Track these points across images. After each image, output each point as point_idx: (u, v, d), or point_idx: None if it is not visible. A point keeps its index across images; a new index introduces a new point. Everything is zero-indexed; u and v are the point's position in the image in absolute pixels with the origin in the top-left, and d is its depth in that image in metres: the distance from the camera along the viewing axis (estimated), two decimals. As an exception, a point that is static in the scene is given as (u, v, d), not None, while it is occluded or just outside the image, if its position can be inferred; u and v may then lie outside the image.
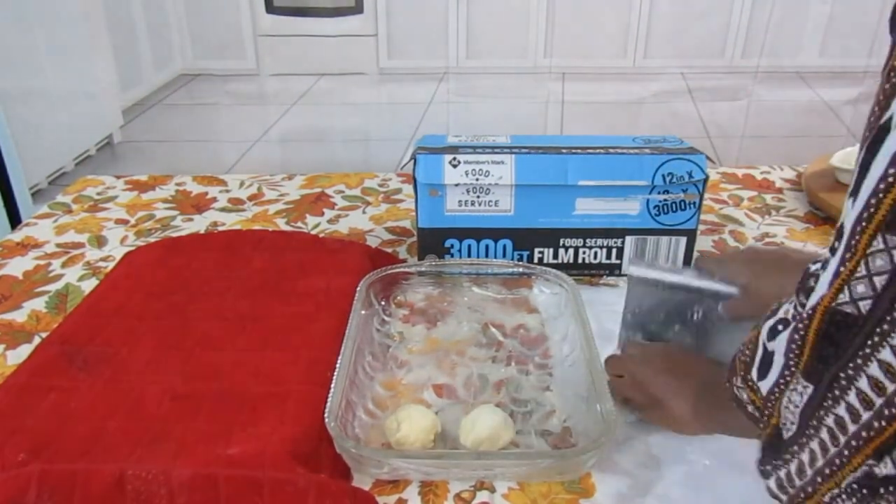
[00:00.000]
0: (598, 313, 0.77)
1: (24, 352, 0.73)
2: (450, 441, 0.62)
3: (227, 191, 1.11)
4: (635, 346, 0.67)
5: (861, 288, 0.31)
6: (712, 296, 0.64)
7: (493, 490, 0.58)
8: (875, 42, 3.65)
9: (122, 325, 0.73)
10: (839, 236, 0.33)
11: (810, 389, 0.34)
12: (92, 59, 2.90)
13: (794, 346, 0.35)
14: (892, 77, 0.30)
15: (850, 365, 0.32)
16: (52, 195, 1.13)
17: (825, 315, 0.33)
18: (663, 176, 0.81)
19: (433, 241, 0.85)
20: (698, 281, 0.65)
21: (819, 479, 0.34)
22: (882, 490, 0.31)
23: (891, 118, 0.30)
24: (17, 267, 0.90)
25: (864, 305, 0.31)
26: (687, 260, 0.86)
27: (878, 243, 0.30)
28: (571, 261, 0.86)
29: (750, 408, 0.42)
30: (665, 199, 0.83)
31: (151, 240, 0.96)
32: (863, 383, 0.31)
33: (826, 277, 0.33)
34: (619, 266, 0.86)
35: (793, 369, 0.36)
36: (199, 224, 1.01)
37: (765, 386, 0.39)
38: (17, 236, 0.98)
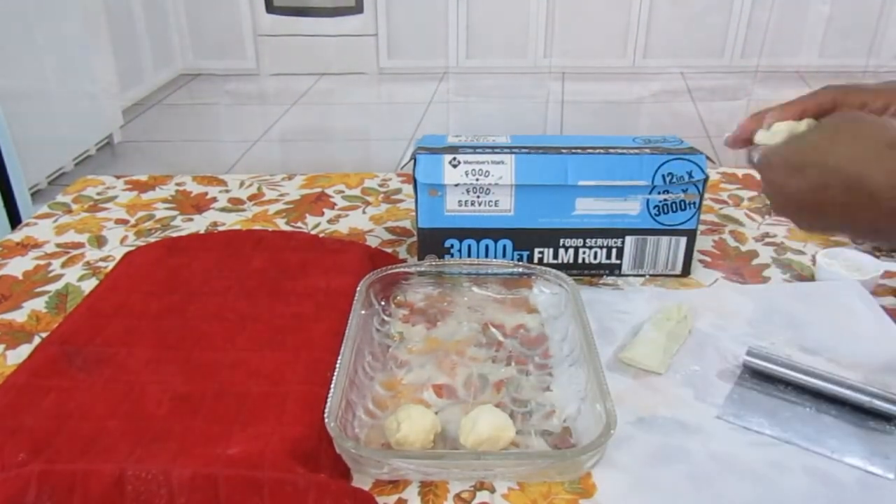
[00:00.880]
0: (599, 313, 0.77)
1: (23, 352, 0.73)
2: (450, 441, 0.62)
3: (227, 191, 1.11)
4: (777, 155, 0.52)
5: None
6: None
7: (493, 490, 0.58)
8: (875, 42, 3.66)
9: (122, 325, 0.73)
10: None
11: None
12: (92, 59, 2.90)
13: None
14: None
15: None
16: (51, 195, 1.13)
17: None
18: (663, 176, 0.81)
19: (433, 242, 0.86)
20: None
21: None
22: None
23: None
24: (17, 267, 0.90)
25: None
26: (687, 260, 0.86)
27: None
28: (571, 261, 0.86)
29: None
30: (665, 200, 0.83)
31: (151, 240, 0.96)
32: None
33: None
34: (619, 266, 0.86)
35: None
36: (199, 224, 1.01)
37: None
38: (17, 236, 0.98)
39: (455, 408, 0.65)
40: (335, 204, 1.07)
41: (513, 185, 0.81)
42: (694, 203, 0.83)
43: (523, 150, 0.83)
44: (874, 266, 0.83)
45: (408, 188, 1.09)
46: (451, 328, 0.77)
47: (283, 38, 3.88)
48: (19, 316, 0.81)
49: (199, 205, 1.07)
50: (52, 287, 0.86)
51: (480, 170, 0.81)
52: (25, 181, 2.17)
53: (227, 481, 0.53)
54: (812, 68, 3.73)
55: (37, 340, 0.76)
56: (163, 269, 0.84)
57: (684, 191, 0.82)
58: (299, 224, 1.01)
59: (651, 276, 0.87)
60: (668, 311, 0.76)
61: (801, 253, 0.91)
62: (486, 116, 3.46)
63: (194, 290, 0.79)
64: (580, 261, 0.86)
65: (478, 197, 0.83)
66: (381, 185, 1.12)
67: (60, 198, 1.09)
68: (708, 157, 0.82)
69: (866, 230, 0.45)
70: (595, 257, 0.86)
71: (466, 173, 0.81)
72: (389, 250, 0.93)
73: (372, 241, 0.95)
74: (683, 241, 0.85)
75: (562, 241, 0.85)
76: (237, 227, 1.00)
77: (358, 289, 0.75)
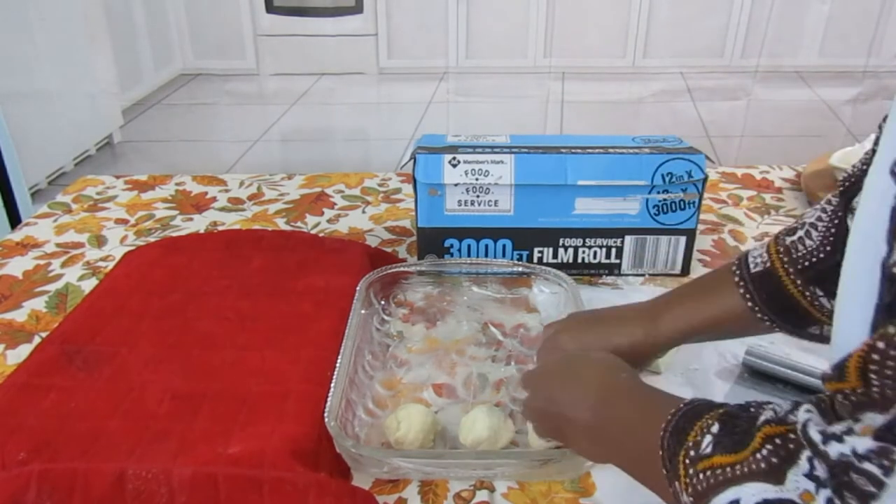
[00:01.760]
0: (598, 313, 0.77)
1: (24, 351, 0.73)
2: (449, 440, 0.62)
3: (227, 190, 1.11)
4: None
5: None
6: None
7: (492, 489, 0.58)
8: (875, 42, 3.66)
9: (122, 325, 0.73)
10: None
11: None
12: (92, 59, 2.89)
13: None
14: None
15: None
16: (51, 195, 1.13)
17: None
18: (663, 175, 0.81)
19: (433, 241, 0.86)
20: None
21: None
22: None
23: None
24: (17, 267, 0.90)
25: None
26: (686, 260, 0.86)
27: None
28: (571, 260, 0.86)
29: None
30: (664, 199, 0.83)
31: (151, 239, 0.96)
32: None
33: None
34: (618, 266, 0.86)
35: None
36: (198, 224, 1.01)
37: None
38: (17, 236, 0.98)
39: (455, 407, 0.66)
40: (335, 203, 1.07)
41: (512, 184, 0.81)
42: (693, 202, 0.83)
43: (523, 150, 0.83)
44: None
45: (407, 188, 1.09)
46: (450, 327, 0.77)
47: (283, 38, 3.87)
48: (19, 315, 0.81)
49: (198, 204, 1.07)
50: (52, 287, 0.86)
51: (480, 169, 0.81)
52: (25, 181, 2.17)
53: (228, 480, 0.53)
54: (812, 68, 3.72)
55: (37, 340, 0.76)
56: (163, 268, 0.84)
57: (684, 190, 0.82)
58: (299, 224, 1.01)
59: (650, 275, 0.87)
60: None
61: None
62: (486, 116, 3.45)
63: (194, 290, 0.79)
64: (580, 260, 0.86)
65: (477, 196, 0.83)
66: (380, 185, 1.12)
67: (60, 198, 1.09)
68: (707, 157, 0.83)
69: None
70: (595, 257, 0.86)
71: (466, 173, 0.81)
72: (389, 250, 0.93)
73: (372, 241, 0.95)
74: (683, 240, 0.85)
75: (561, 240, 0.85)
76: (237, 226, 1.00)
77: (358, 288, 0.75)
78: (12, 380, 0.66)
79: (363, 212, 1.04)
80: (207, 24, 3.84)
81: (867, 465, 0.30)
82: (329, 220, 1.01)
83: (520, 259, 0.85)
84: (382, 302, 0.78)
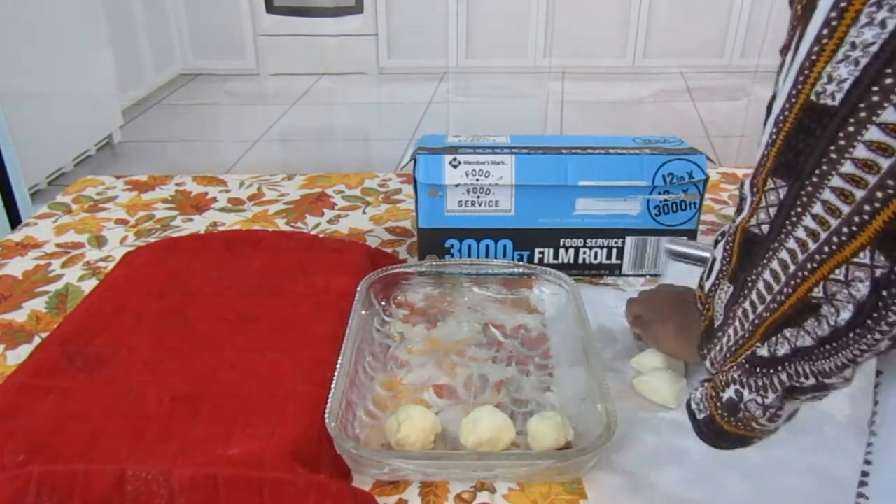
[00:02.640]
0: (599, 313, 0.77)
1: (23, 352, 0.73)
2: (450, 442, 0.62)
3: (227, 191, 1.11)
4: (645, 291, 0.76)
5: (762, 215, 0.40)
6: None
7: (493, 491, 0.58)
8: (875, 42, 3.65)
9: (122, 326, 0.73)
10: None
11: (731, 289, 0.45)
12: (92, 59, 2.90)
13: (725, 254, 0.45)
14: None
15: (754, 272, 0.42)
16: (51, 195, 1.13)
17: (743, 233, 0.42)
18: (663, 176, 0.81)
19: (433, 242, 0.85)
20: None
21: (728, 355, 0.45)
22: (757, 368, 0.42)
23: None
24: (17, 267, 0.90)
25: (765, 228, 0.40)
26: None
27: (771, 183, 0.39)
28: (572, 261, 0.86)
29: (698, 304, 0.50)
30: (665, 200, 0.82)
31: (151, 240, 0.96)
32: (759, 285, 0.41)
33: (746, 205, 0.42)
34: (619, 266, 0.86)
35: (724, 273, 0.46)
36: (198, 224, 1.01)
37: (707, 285, 0.48)
38: (17, 236, 0.98)
39: (455, 408, 0.65)
40: (335, 204, 1.07)
41: (513, 185, 0.81)
42: (694, 203, 0.83)
43: (523, 151, 0.83)
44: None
45: (408, 188, 1.09)
46: (451, 328, 0.77)
47: (283, 38, 3.88)
48: (19, 316, 0.80)
49: (198, 205, 1.07)
50: (52, 287, 0.86)
51: (481, 170, 0.81)
52: (25, 181, 2.16)
53: (228, 481, 0.53)
54: (812, 68, 3.72)
55: (37, 341, 0.76)
56: (163, 269, 0.84)
57: (684, 191, 0.82)
58: (299, 224, 1.01)
59: (651, 276, 0.87)
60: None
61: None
62: (486, 116, 3.46)
63: (194, 291, 0.79)
64: (580, 261, 0.86)
65: (478, 197, 0.83)
66: (381, 186, 1.12)
67: (60, 198, 1.09)
68: (708, 158, 0.82)
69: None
70: (595, 257, 0.86)
71: (467, 173, 0.81)
72: (389, 250, 0.93)
73: (372, 242, 0.95)
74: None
75: (562, 241, 0.85)
76: (237, 227, 1.00)
77: (358, 289, 0.75)
78: (12, 380, 0.66)
79: (363, 212, 1.04)
80: (207, 24, 3.85)
81: None
82: (329, 221, 1.01)
83: (520, 260, 0.85)
84: (383, 303, 0.78)
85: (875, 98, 0.33)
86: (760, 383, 0.42)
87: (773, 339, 0.41)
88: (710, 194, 1.06)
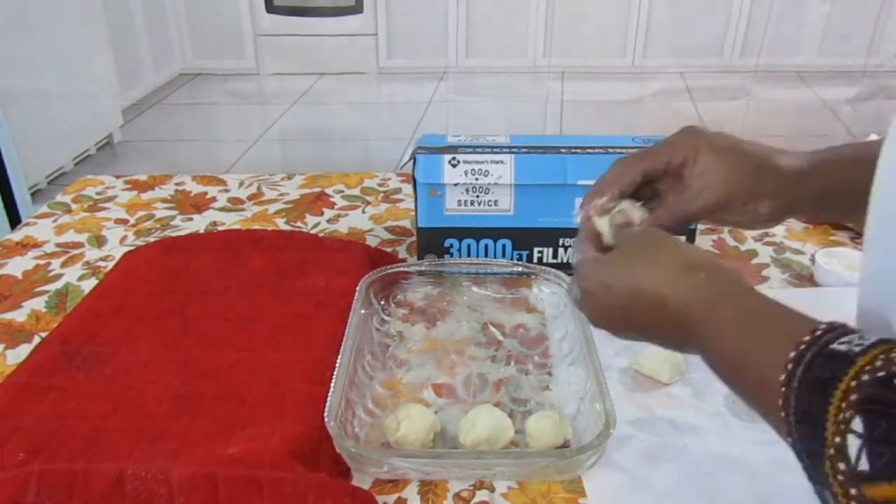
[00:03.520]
0: (598, 313, 0.77)
1: (23, 351, 0.73)
2: (449, 440, 0.62)
3: (227, 190, 1.11)
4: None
5: None
6: None
7: (492, 489, 0.58)
8: (874, 42, 3.66)
9: (122, 325, 0.73)
10: None
11: None
12: (92, 59, 2.90)
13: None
14: None
15: None
16: (51, 195, 1.13)
17: None
18: (662, 175, 0.81)
19: (433, 241, 0.86)
20: None
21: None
22: None
23: None
24: (17, 267, 0.90)
25: None
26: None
27: None
28: (571, 260, 0.86)
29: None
30: (664, 199, 0.82)
31: (151, 239, 0.96)
32: None
33: None
34: (618, 265, 0.86)
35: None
36: (198, 224, 1.01)
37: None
38: (17, 236, 0.98)
39: (454, 407, 0.66)
40: (335, 203, 1.07)
41: (512, 184, 0.81)
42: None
43: (523, 150, 0.83)
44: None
45: (407, 188, 1.09)
46: (450, 327, 0.77)
47: (283, 38, 3.88)
48: (19, 315, 0.81)
49: (198, 204, 1.07)
50: (52, 287, 0.86)
51: (480, 169, 0.81)
52: (25, 181, 2.17)
53: (227, 480, 0.53)
54: (811, 67, 3.73)
55: (36, 340, 0.76)
56: (162, 268, 0.84)
57: (683, 190, 0.82)
58: (299, 224, 1.01)
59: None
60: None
61: (800, 252, 0.91)
62: (486, 116, 3.46)
63: (194, 290, 0.79)
64: (579, 260, 0.86)
65: (477, 196, 0.83)
66: (380, 185, 1.12)
67: (60, 197, 1.09)
68: (707, 157, 0.82)
69: (672, 343, 0.48)
70: (594, 257, 0.86)
71: (466, 173, 0.81)
72: (389, 250, 0.93)
73: (371, 241, 0.95)
74: (682, 240, 0.85)
75: (561, 240, 0.85)
76: (237, 226, 1.00)
77: (357, 288, 0.75)
78: (12, 380, 0.66)
79: (363, 212, 1.04)
80: (207, 23, 3.85)
81: None
82: (329, 220, 1.01)
83: (519, 259, 0.86)
84: (382, 302, 0.78)
85: None
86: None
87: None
88: (710, 194, 1.06)
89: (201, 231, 0.99)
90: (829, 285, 0.83)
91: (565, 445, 0.60)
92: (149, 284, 0.80)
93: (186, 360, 0.68)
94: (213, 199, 1.08)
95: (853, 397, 0.32)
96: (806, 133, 3.05)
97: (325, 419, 0.58)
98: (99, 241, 0.97)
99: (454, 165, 0.81)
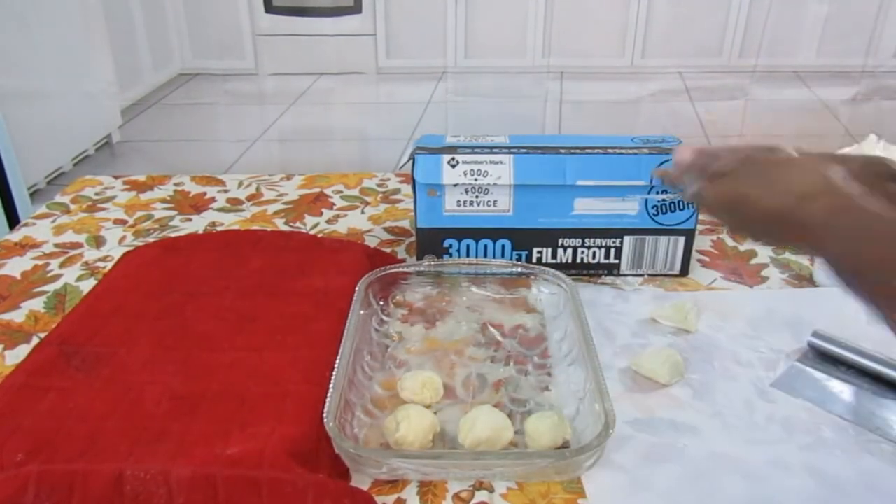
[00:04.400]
0: (597, 313, 0.77)
1: (22, 352, 0.73)
2: (448, 441, 0.62)
3: (226, 191, 1.11)
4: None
5: None
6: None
7: (491, 490, 0.58)
8: (872, 42, 3.66)
9: (121, 326, 0.73)
10: None
11: None
12: (90, 59, 2.89)
13: None
14: None
15: None
16: (50, 195, 1.13)
17: None
18: (662, 176, 0.81)
19: (432, 241, 0.86)
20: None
21: None
22: None
23: None
24: (16, 267, 0.90)
25: None
26: (685, 260, 0.86)
27: None
28: (570, 261, 0.86)
29: None
30: (663, 199, 0.83)
31: (150, 240, 0.96)
32: None
33: None
34: (617, 266, 0.86)
35: None
36: (197, 224, 1.01)
37: None
38: (16, 236, 0.98)
39: (454, 408, 0.65)
40: (334, 204, 1.07)
41: (511, 184, 0.81)
42: (692, 203, 0.83)
43: (522, 150, 0.83)
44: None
45: (406, 188, 1.09)
46: (449, 328, 0.77)
47: (282, 38, 3.88)
48: (18, 316, 0.80)
49: (197, 205, 1.07)
50: (51, 287, 0.86)
51: (479, 170, 0.81)
52: (24, 181, 2.17)
53: (226, 481, 0.53)
54: (810, 68, 3.73)
55: (35, 341, 0.76)
56: (161, 269, 0.84)
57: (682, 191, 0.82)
58: (298, 224, 1.01)
59: (650, 275, 0.87)
60: (675, 309, 0.77)
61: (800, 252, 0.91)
62: (485, 116, 3.46)
63: (193, 291, 0.79)
64: (579, 260, 0.86)
65: (476, 197, 0.83)
66: (379, 185, 1.12)
67: (59, 198, 1.09)
68: (706, 157, 0.82)
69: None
70: (594, 257, 0.86)
71: (465, 173, 0.81)
72: (388, 250, 0.93)
73: (371, 241, 0.95)
74: (682, 240, 0.85)
75: (560, 240, 0.85)
76: (236, 227, 1.00)
77: (357, 289, 0.75)
78: (10, 381, 0.66)
79: (362, 212, 1.04)
80: (206, 24, 3.84)
81: None
82: (328, 221, 1.01)
83: (519, 259, 0.85)
84: (381, 302, 0.78)
85: None
86: None
87: None
88: (709, 194, 1.06)
89: (200, 231, 0.99)
90: (829, 285, 0.83)
91: (565, 446, 0.60)
92: (148, 285, 0.80)
93: (185, 361, 0.68)
94: (212, 200, 1.08)
95: None
96: (804, 133, 3.05)
97: (324, 420, 0.58)
98: (98, 241, 0.97)
99: (453, 166, 0.81)
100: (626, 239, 0.85)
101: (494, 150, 0.83)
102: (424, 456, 0.60)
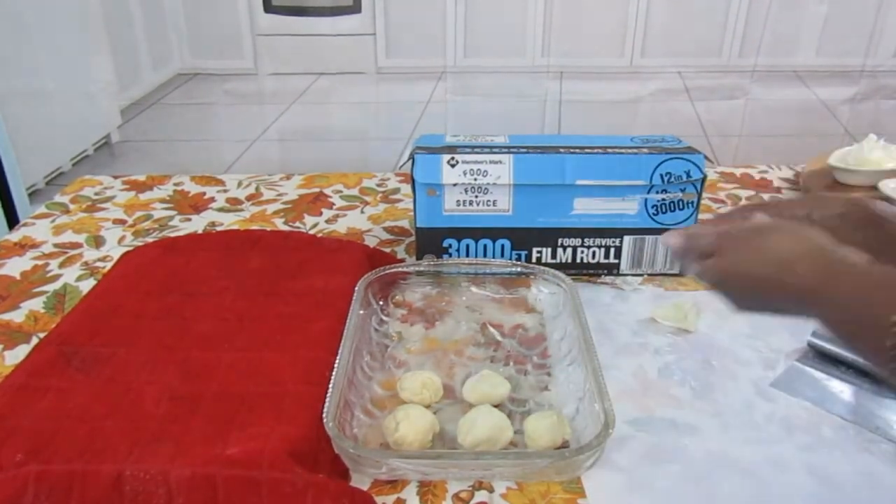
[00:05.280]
0: (597, 313, 0.77)
1: (21, 352, 0.73)
2: (448, 441, 0.62)
3: (225, 191, 1.11)
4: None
5: None
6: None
7: (491, 490, 0.58)
8: (872, 42, 3.66)
9: (120, 326, 0.73)
10: None
11: None
12: (89, 59, 2.89)
13: None
14: None
15: None
16: (49, 195, 1.13)
17: None
18: (661, 175, 0.81)
19: (431, 241, 0.85)
20: None
21: None
22: None
23: None
24: (15, 267, 0.90)
25: None
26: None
27: None
28: (570, 260, 0.86)
29: None
30: (663, 199, 0.83)
31: (149, 240, 0.96)
32: None
33: None
34: (617, 266, 0.86)
35: None
36: (196, 224, 1.01)
37: None
38: (15, 236, 0.98)
39: (453, 408, 0.65)
40: (333, 204, 1.07)
41: (511, 184, 0.81)
42: (692, 202, 0.83)
43: (521, 150, 0.83)
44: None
45: (406, 188, 1.09)
46: (449, 328, 0.77)
47: (282, 38, 3.86)
48: (17, 316, 0.80)
49: (196, 205, 1.07)
50: (50, 287, 0.86)
51: (479, 169, 0.81)
52: (23, 181, 2.16)
53: (226, 481, 0.53)
54: (810, 68, 3.72)
55: (35, 341, 0.76)
56: (161, 269, 0.83)
57: (682, 190, 0.82)
58: (297, 224, 1.01)
59: (649, 275, 0.87)
60: (674, 308, 0.77)
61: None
62: (485, 116, 3.45)
63: (192, 291, 0.79)
64: (578, 260, 0.86)
65: (476, 196, 0.83)
66: (379, 185, 1.12)
67: (58, 198, 1.09)
68: (706, 157, 0.82)
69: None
70: (593, 257, 0.86)
71: (465, 173, 0.81)
72: (388, 250, 0.93)
73: (370, 241, 0.95)
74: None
75: (560, 240, 0.85)
76: (235, 227, 1.00)
77: (356, 288, 0.75)
78: (10, 381, 0.66)
79: (362, 212, 1.04)
80: (205, 23, 3.83)
81: None
82: (327, 221, 1.01)
83: (518, 259, 0.85)
84: (381, 302, 0.78)
85: None
86: None
87: None
88: (708, 193, 1.06)
89: (200, 231, 0.99)
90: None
91: (564, 446, 0.60)
92: (147, 285, 0.80)
93: (185, 361, 0.68)
94: (212, 200, 1.08)
95: None
96: (804, 133, 3.05)
97: (324, 420, 0.58)
98: (97, 241, 0.96)
99: (453, 165, 0.81)
100: (626, 238, 0.85)
101: (494, 149, 0.83)
102: (424, 456, 0.60)
